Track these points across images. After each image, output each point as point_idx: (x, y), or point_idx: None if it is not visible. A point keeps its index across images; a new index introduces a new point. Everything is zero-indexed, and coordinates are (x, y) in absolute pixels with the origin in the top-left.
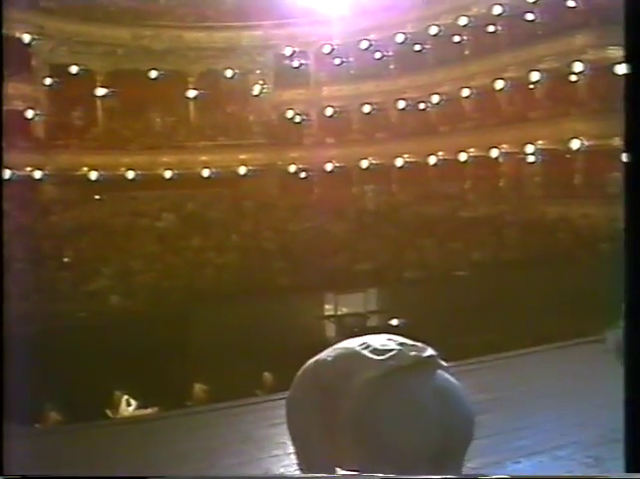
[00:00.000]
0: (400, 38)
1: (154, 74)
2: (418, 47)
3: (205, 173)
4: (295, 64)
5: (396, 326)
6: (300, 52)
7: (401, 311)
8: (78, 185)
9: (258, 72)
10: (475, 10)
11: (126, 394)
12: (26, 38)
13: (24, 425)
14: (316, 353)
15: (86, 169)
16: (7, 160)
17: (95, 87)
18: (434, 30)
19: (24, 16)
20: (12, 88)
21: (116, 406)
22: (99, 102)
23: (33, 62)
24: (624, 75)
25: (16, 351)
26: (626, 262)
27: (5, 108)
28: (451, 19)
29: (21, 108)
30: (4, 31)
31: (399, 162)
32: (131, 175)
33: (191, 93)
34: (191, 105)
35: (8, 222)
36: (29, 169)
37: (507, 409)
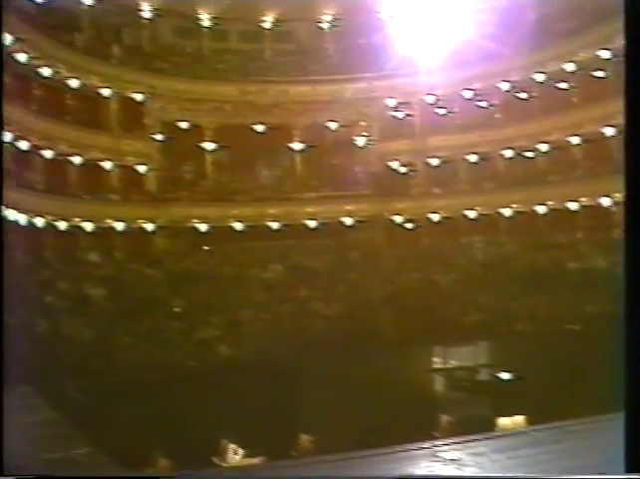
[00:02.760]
0: (505, 86)
1: (260, 128)
2: (524, 95)
3: (312, 224)
4: (399, 115)
5: (507, 381)
6: (404, 103)
7: (512, 365)
8: (188, 236)
9: (363, 123)
10: (582, 55)
11: (233, 443)
12: (139, 97)
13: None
14: (424, 407)
15: (196, 220)
16: (121, 213)
17: (203, 141)
18: (540, 77)
19: (137, 77)
20: (126, 144)
21: (223, 454)
22: (207, 156)
23: (145, 119)
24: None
25: (129, 399)
26: (626, 262)
27: (118, 163)
28: (557, 66)
29: (134, 163)
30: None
31: (507, 212)
32: (239, 226)
33: (297, 145)
34: (297, 157)
35: (123, 272)
36: (141, 221)
37: None
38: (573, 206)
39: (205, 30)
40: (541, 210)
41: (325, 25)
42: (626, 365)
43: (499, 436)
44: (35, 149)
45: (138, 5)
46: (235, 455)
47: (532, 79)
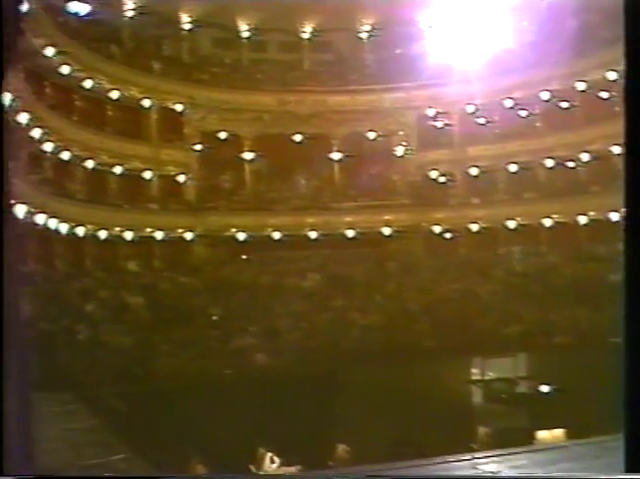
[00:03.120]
0: (545, 95)
1: (298, 137)
2: (565, 104)
3: (350, 233)
4: (438, 124)
5: (546, 394)
6: (443, 112)
7: (551, 378)
8: (226, 245)
9: (401, 133)
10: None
11: (270, 451)
12: (179, 108)
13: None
14: (462, 419)
15: (234, 229)
16: (160, 222)
17: (242, 151)
18: (581, 86)
19: (176, 88)
20: (165, 154)
21: (260, 462)
22: (246, 165)
23: (185, 129)
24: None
25: (166, 406)
26: (626, 263)
27: (159, 173)
28: (599, 74)
29: (173, 173)
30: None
31: (547, 222)
32: (277, 235)
33: (336, 155)
34: (336, 167)
35: (162, 281)
36: (180, 230)
37: None
38: (615, 216)
39: (244, 41)
40: (582, 220)
41: (364, 35)
42: (626, 365)
43: (539, 450)
44: (77, 159)
45: (177, 17)
46: (272, 464)
47: (574, 87)
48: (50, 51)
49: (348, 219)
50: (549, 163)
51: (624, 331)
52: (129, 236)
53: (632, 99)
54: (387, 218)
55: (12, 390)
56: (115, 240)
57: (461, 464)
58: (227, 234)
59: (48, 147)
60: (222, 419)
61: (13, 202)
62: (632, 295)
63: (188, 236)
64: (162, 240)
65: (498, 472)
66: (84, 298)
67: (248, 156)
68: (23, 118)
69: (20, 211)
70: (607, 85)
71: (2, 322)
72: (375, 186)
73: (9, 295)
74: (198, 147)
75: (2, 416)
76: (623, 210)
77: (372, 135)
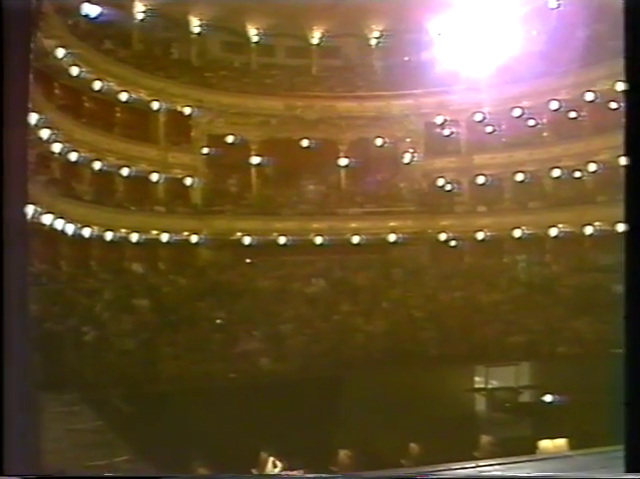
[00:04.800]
0: (554, 105)
1: (306, 142)
2: (573, 114)
3: (355, 239)
4: (446, 132)
5: (549, 403)
6: (451, 120)
7: (554, 388)
8: (232, 249)
9: (409, 140)
10: None
11: (272, 456)
12: (187, 111)
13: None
14: (465, 427)
15: (240, 233)
16: (166, 224)
17: (249, 155)
18: (590, 96)
19: (185, 91)
20: (172, 157)
21: (262, 466)
22: (253, 170)
23: (192, 133)
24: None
25: (168, 409)
26: (626, 263)
27: (166, 176)
28: (608, 85)
29: (180, 176)
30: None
31: (553, 231)
32: (282, 240)
33: (342, 161)
34: (342, 172)
35: (167, 283)
36: (186, 233)
37: None
38: (621, 227)
39: (253, 45)
40: (588, 230)
41: (372, 41)
42: (625, 365)
43: (544, 459)
44: (84, 160)
45: (187, 20)
46: (274, 468)
47: (582, 98)
48: (60, 52)
49: (354, 224)
50: (556, 172)
51: (624, 333)
52: (134, 237)
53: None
54: (392, 224)
55: (14, 391)
56: (120, 242)
57: (464, 472)
58: (233, 237)
59: (56, 147)
60: (226, 423)
61: (21, 201)
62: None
63: (194, 239)
64: (168, 243)
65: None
66: (88, 299)
67: (255, 160)
68: (32, 118)
69: (28, 211)
70: (615, 95)
71: (3, 322)
72: (381, 192)
73: (12, 295)
74: (206, 150)
75: (2, 416)
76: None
77: (379, 141)
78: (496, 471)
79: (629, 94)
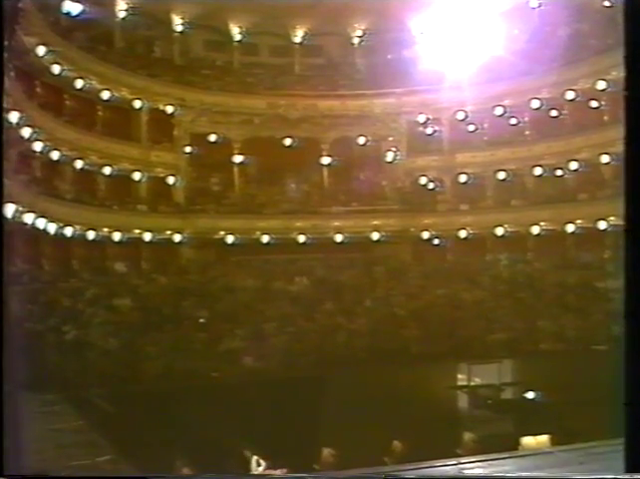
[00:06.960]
0: (535, 104)
1: (288, 141)
2: (554, 112)
3: (338, 238)
4: (428, 131)
5: (531, 400)
6: (433, 119)
7: (536, 384)
8: (215, 248)
9: (391, 139)
10: (614, 74)
11: (255, 454)
12: (169, 109)
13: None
14: (447, 424)
15: (223, 232)
16: (150, 224)
17: (232, 154)
18: (571, 95)
19: (167, 89)
20: (155, 156)
21: (245, 465)
22: (236, 168)
23: (175, 132)
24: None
25: (151, 407)
26: (626, 263)
27: (148, 175)
28: (589, 84)
29: (163, 175)
30: None
31: (535, 229)
32: (265, 239)
33: (325, 160)
34: (325, 171)
35: (150, 282)
36: (169, 232)
37: None
38: (602, 224)
39: (236, 44)
40: (570, 228)
41: (355, 40)
42: (625, 365)
43: (525, 455)
44: (66, 159)
45: (169, 18)
46: (258, 467)
47: (564, 96)
48: (41, 50)
49: (337, 223)
50: (538, 171)
51: (624, 331)
52: (117, 237)
53: (631, 103)
54: (375, 223)
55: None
56: (103, 241)
57: (446, 469)
58: (216, 236)
59: (37, 146)
60: (208, 422)
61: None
62: (632, 296)
63: (177, 238)
64: (151, 242)
65: (484, 477)
66: (70, 299)
67: (238, 159)
68: (13, 117)
69: (9, 210)
70: (596, 94)
71: None
72: (364, 191)
73: None
74: (188, 149)
75: (2, 416)
76: (622, 213)
77: (362, 140)
78: (478, 468)
79: (629, 94)
